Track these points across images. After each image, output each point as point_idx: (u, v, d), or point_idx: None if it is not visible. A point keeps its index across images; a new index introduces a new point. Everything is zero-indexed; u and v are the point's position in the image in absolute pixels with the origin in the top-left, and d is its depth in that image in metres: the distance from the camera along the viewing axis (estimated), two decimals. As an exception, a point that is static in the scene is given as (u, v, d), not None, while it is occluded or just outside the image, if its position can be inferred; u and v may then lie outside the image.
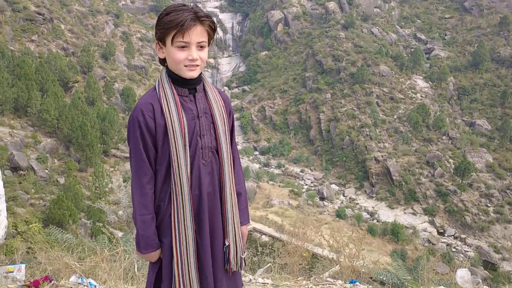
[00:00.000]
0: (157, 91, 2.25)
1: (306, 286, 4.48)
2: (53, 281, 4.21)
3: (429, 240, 40.34)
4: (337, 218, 41.52)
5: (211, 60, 74.76)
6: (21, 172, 33.04)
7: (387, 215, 44.24)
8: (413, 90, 60.11)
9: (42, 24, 54.82)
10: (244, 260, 2.42)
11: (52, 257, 4.69)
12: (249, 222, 2.55)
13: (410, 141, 52.08)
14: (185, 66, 2.19)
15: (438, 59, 64.63)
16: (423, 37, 69.97)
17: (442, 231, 42.48)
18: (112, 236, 5.11)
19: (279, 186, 48.23)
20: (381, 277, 5.42)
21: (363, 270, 5.21)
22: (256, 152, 57.08)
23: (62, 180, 33.99)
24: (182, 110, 2.22)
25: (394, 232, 38.95)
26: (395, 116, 55.81)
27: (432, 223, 43.23)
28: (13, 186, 29.00)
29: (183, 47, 2.16)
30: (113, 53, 59.81)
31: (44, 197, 30.65)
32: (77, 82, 49.56)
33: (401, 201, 46.23)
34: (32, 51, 50.14)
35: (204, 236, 2.24)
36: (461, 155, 48.86)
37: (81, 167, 37.27)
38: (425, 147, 50.90)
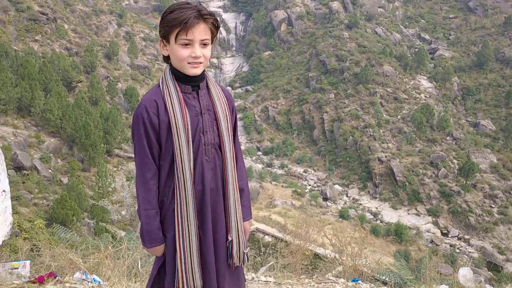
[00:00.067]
0: (161, 88, 2.28)
1: (309, 284, 4.49)
2: (57, 277, 4.29)
3: (432, 241, 40.20)
4: (340, 219, 41.40)
5: (214, 60, 74.73)
6: (25, 171, 33.10)
7: (390, 215, 44.11)
8: (417, 90, 59.92)
9: (45, 24, 54.92)
10: (247, 255, 2.44)
11: (56, 254, 4.77)
12: (251, 217, 2.58)
13: (414, 142, 51.92)
14: (188, 63, 2.23)
15: (442, 59, 64.41)
16: (427, 37, 69.76)
17: (445, 232, 42.33)
18: (116, 234, 5.13)
19: (282, 186, 48.16)
20: (383, 277, 5.41)
21: (365, 269, 5.22)
22: (259, 152, 57.02)
23: (65, 180, 34.04)
24: (186, 107, 2.25)
25: (397, 233, 38.82)
26: (399, 117, 55.65)
27: (435, 223, 43.08)
28: (17, 185, 29.04)
29: (186, 44, 2.19)
30: (116, 53, 59.87)
31: (48, 197, 30.70)
32: (81, 82, 49.62)
33: (405, 202, 46.10)
34: (35, 51, 50.25)
35: (207, 231, 2.27)
36: (465, 155, 48.68)
37: (84, 167, 37.31)
38: (429, 147, 50.73)
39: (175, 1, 72.79)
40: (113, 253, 4.73)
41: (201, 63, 2.24)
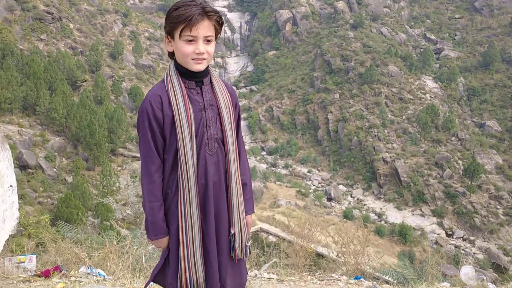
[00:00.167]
0: (165, 83, 2.34)
1: (311, 282, 4.50)
2: (63, 271, 4.37)
3: (437, 242, 40.05)
4: (345, 219, 41.30)
5: (219, 60, 74.80)
6: (30, 170, 33.24)
7: (395, 216, 43.99)
8: (422, 91, 59.73)
9: (51, 23, 55.13)
10: (249, 249, 2.50)
11: (62, 248, 4.87)
12: (253, 211, 2.62)
13: (419, 142, 51.76)
14: (192, 59, 2.27)
15: (447, 60, 64.19)
16: (432, 37, 69.53)
17: (450, 233, 42.16)
18: (120, 232, 5.17)
19: (286, 186, 48.12)
20: (385, 276, 5.41)
21: (367, 267, 5.22)
22: (264, 152, 57.01)
23: (70, 179, 34.17)
24: (189, 102, 2.30)
25: (402, 234, 38.71)
26: (403, 117, 55.49)
27: (440, 224, 42.92)
28: (22, 184, 29.13)
29: (190, 41, 2.24)
30: (121, 52, 60.01)
31: (52, 196, 30.82)
32: (85, 81, 49.78)
33: (409, 203, 45.96)
34: (41, 50, 50.45)
35: (209, 224, 2.32)
36: (470, 156, 48.47)
37: (89, 166, 37.42)
38: (434, 148, 50.56)
39: None
40: (118, 249, 4.78)
41: (204, 59, 2.28)
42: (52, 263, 4.65)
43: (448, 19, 72.08)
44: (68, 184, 33.23)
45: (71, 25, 58.25)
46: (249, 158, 52.40)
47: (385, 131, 53.48)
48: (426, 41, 69.21)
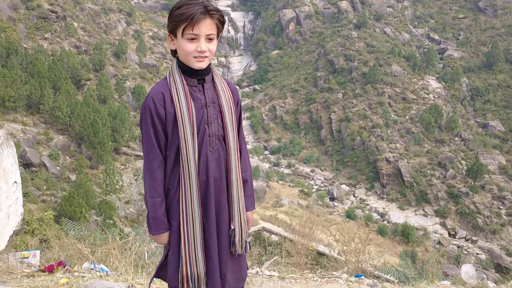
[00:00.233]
0: (168, 81, 2.37)
1: (312, 279, 4.55)
2: (66, 266, 4.42)
3: (440, 242, 39.98)
4: (347, 219, 41.28)
5: (222, 59, 74.82)
6: (33, 168, 33.37)
7: (397, 216, 43.93)
8: (425, 91, 59.61)
9: (55, 22, 55.28)
10: (249, 244, 2.52)
11: (65, 244, 4.94)
12: (254, 208, 2.66)
13: (422, 142, 51.67)
14: (194, 57, 2.30)
15: (451, 60, 64.02)
16: (436, 37, 69.35)
17: (453, 233, 42.08)
18: (123, 229, 5.25)
19: (289, 186, 48.12)
20: (386, 275, 5.44)
21: (368, 265, 5.26)
22: (266, 152, 57.01)
23: (73, 177, 34.27)
24: (191, 99, 2.33)
25: (404, 234, 38.66)
26: (407, 117, 55.39)
27: (443, 225, 42.85)
28: (25, 182, 29.22)
29: (192, 39, 2.27)
30: (125, 52, 60.11)
31: (56, 194, 30.92)
32: (89, 80, 49.91)
33: (412, 203, 45.89)
34: (45, 48, 50.60)
35: (210, 219, 2.35)
36: (473, 156, 48.37)
37: (92, 164, 37.52)
38: (437, 148, 50.46)
39: None
40: (121, 245, 4.83)
41: (206, 57, 2.31)
42: (55, 259, 4.71)
43: (452, 19, 71.86)
44: (71, 182, 33.34)
45: (75, 24, 58.39)
46: (252, 158, 52.50)
47: (388, 131, 53.40)
48: (429, 41, 69.03)
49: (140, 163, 37.34)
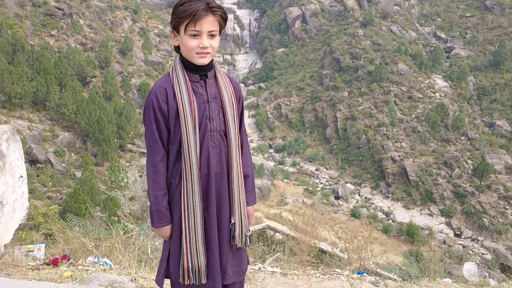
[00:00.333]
0: (171, 76, 2.40)
1: (314, 276, 4.57)
2: (71, 260, 4.50)
3: (445, 242, 39.85)
4: (352, 218, 41.23)
5: (228, 57, 74.83)
6: (39, 165, 33.55)
7: (403, 215, 43.83)
8: (432, 90, 59.35)
9: (61, 19, 55.50)
10: (249, 238, 2.55)
11: (70, 238, 5.02)
12: (255, 203, 2.69)
13: (428, 141, 51.48)
14: (196, 53, 2.33)
15: (458, 58, 63.69)
16: (443, 35, 69.00)
17: (458, 233, 41.93)
18: (128, 224, 5.30)
19: (294, 184, 48.10)
20: (388, 273, 5.44)
21: (370, 262, 5.26)
22: (271, 150, 57.01)
23: (78, 174, 34.43)
24: (193, 95, 2.36)
25: (409, 233, 38.54)
26: (413, 116, 55.21)
27: (448, 224, 42.70)
28: (31, 179, 29.39)
29: (195, 35, 2.31)
30: (130, 49, 60.26)
31: (61, 190, 31.09)
32: (95, 77, 50.07)
33: (418, 202, 45.76)
34: (51, 45, 50.80)
35: (211, 213, 2.39)
36: (480, 156, 48.14)
37: (98, 161, 37.68)
38: (443, 147, 50.26)
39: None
40: (124, 240, 4.89)
41: (208, 53, 2.34)
42: (60, 253, 4.77)
43: (459, 17, 71.47)
44: (77, 179, 33.51)
45: (81, 21, 58.59)
46: (257, 156, 52.51)
47: (394, 129, 53.25)
48: (436, 40, 68.72)
49: (145, 160, 37.43)
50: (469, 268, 4.91)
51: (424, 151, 50.03)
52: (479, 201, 43.67)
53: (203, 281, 2.37)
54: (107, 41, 55.68)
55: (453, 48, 65.67)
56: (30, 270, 4.29)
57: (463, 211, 43.53)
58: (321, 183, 50.27)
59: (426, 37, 69.45)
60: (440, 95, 58.60)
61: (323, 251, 8.06)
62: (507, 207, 43.55)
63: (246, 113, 61.46)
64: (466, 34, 68.57)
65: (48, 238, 5.51)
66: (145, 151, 2.46)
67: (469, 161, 48.23)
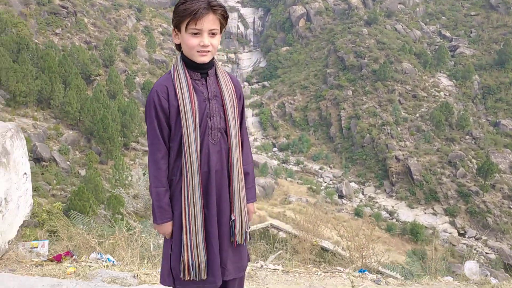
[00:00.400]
0: (172, 74, 2.42)
1: (316, 273, 4.60)
2: (74, 256, 4.55)
3: (449, 241, 39.76)
4: (356, 217, 41.19)
5: (232, 55, 74.84)
6: (44, 163, 33.70)
7: (406, 214, 43.76)
8: (436, 88, 59.17)
9: (66, 18, 55.70)
10: (249, 235, 2.58)
11: (73, 234, 5.08)
12: (255, 200, 2.71)
13: (432, 140, 51.35)
14: (197, 52, 2.35)
15: (463, 57, 63.46)
16: (448, 34, 68.76)
17: (463, 232, 41.82)
18: (131, 222, 5.36)
19: (298, 183, 48.11)
20: (391, 271, 5.44)
21: (372, 261, 5.28)
22: (275, 149, 57.00)
23: (83, 172, 34.58)
24: (194, 93, 2.38)
25: (413, 232, 38.49)
26: (417, 115, 55.07)
27: (452, 224, 42.60)
28: (36, 177, 29.55)
29: (196, 34, 2.33)
30: (134, 47, 60.40)
31: (66, 188, 31.25)
32: (99, 75, 50.23)
33: (422, 201, 45.67)
34: (55, 44, 51.00)
35: (211, 209, 2.42)
36: (484, 155, 47.98)
37: (102, 159, 37.81)
38: (447, 146, 50.13)
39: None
40: (127, 236, 4.93)
41: (209, 51, 2.36)
42: (63, 249, 4.82)
43: (464, 16, 71.19)
44: (81, 177, 33.65)
45: (86, 20, 58.76)
46: (260, 154, 52.54)
47: (398, 128, 53.15)
48: (441, 38, 68.49)
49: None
50: (471, 267, 4.92)
51: (429, 150, 49.91)
52: (483, 201, 43.55)
53: (203, 276, 2.40)
54: (111, 40, 55.83)
55: (458, 47, 65.44)
56: (34, 266, 4.34)
57: (467, 210, 43.43)
58: (325, 182, 50.25)
59: (431, 35, 69.22)
60: (445, 94, 58.43)
61: (325, 250, 8.08)
62: (512, 206, 43.44)
63: (250, 111, 61.49)
64: (471, 32, 68.30)
65: (52, 235, 5.56)
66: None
67: (473, 160, 48.08)
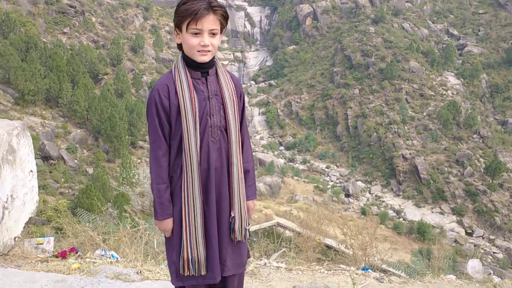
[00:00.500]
0: (173, 73, 2.48)
1: (319, 271, 4.61)
2: (79, 253, 4.63)
3: (456, 240, 39.57)
4: (362, 216, 41.10)
5: (238, 54, 74.86)
6: (52, 161, 33.94)
7: (414, 213, 43.60)
8: (444, 87, 58.85)
9: (73, 17, 56.00)
10: (248, 232, 2.60)
11: (78, 231, 5.15)
12: (255, 197, 2.74)
13: (440, 139, 51.09)
14: (198, 51, 2.40)
15: (470, 56, 63.05)
16: (455, 32, 68.33)
17: (470, 231, 41.61)
18: (137, 219, 5.43)
19: (304, 181, 48.07)
20: (394, 269, 5.43)
21: (376, 259, 5.28)
22: (281, 147, 56.99)
23: (90, 170, 34.76)
24: (194, 91, 2.43)
25: (420, 231, 38.34)
26: (424, 113, 54.81)
27: (460, 223, 42.39)
28: (44, 175, 29.78)
29: (196, 33, 2.37)
30: (142, 46, 60.62)
31: (73, 186, 31.44)
32: (107, 74, 50.46)
33: (429, 200, 45.47)
34: (63, 43, 51.29)
35: (211, 206, 2.45)
36: (492, 154, 47.68)
37: (109, 158, 38.00)
38: (455, 145, 49.85)
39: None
40: (131, 233, 5.00)
41: (209, 51, 2.40)
42: (69, 246, 4.90)
43: (472, 14, 70.72)
44: (88, 175, 33.83)
45: (93, 19, 59.05)
46: (267, 153, 52.58)
47: (405, 127, 52.93)
48: (448, 37, 68.08)
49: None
50: (474, 265, 4.92)
51: (436, 149, 49.67)
52: (491, 200, 43.29)
53: (203, 272, 2.44)
54: (118, 39, 56.07)
55: (466, 45, 65.02)
56: (39, 262, 4.41)
57: (474, 209, 43.19)
58: (332, 181, 50.17)
59: (438, 34, 68.84)
60: (452, 93, 58.10)
61: (329, 248, 8.09)
62: (520, 205, 43.14)
63: (256, 110, 61.49)
64: (479, 31, 67.84)
65: (58, 232, 5.63)
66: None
67: (481, 159, 47.80)
